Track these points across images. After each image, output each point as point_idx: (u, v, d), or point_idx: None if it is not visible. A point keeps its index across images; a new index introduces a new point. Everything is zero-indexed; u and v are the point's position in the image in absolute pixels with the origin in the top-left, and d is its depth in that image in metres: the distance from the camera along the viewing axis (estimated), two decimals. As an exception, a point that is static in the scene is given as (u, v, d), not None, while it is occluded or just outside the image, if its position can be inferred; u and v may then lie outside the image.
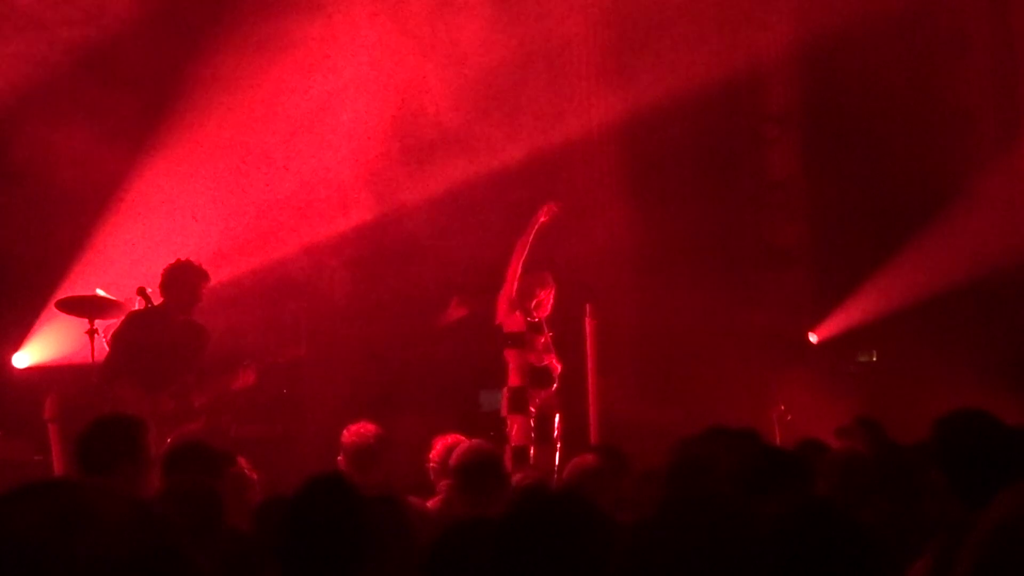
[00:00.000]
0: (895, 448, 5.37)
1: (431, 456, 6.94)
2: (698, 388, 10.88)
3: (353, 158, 11.09)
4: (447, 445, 6.72)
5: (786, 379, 10.71)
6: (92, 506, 1.59)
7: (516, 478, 6.30)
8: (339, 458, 7.07)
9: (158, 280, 8.88)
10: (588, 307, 9.88)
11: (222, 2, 10.81)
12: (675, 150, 11.82)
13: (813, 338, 11.95)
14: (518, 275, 9.42)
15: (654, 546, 2.40)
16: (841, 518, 2.84)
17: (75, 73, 10.43)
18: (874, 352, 12.14)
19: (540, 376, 9.46)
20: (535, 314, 9.50)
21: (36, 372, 10.15)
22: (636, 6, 11.46)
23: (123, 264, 10.13)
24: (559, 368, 9.54)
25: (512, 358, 9.48)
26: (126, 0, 10.44)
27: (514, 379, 9.44)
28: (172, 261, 8.98)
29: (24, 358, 10.31)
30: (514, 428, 9.29)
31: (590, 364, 9.77)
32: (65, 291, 9.84)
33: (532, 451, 9.24)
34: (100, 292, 9.33)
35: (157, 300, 8.80)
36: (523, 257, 9.43)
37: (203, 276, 8.95)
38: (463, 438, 6.70)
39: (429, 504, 6.27)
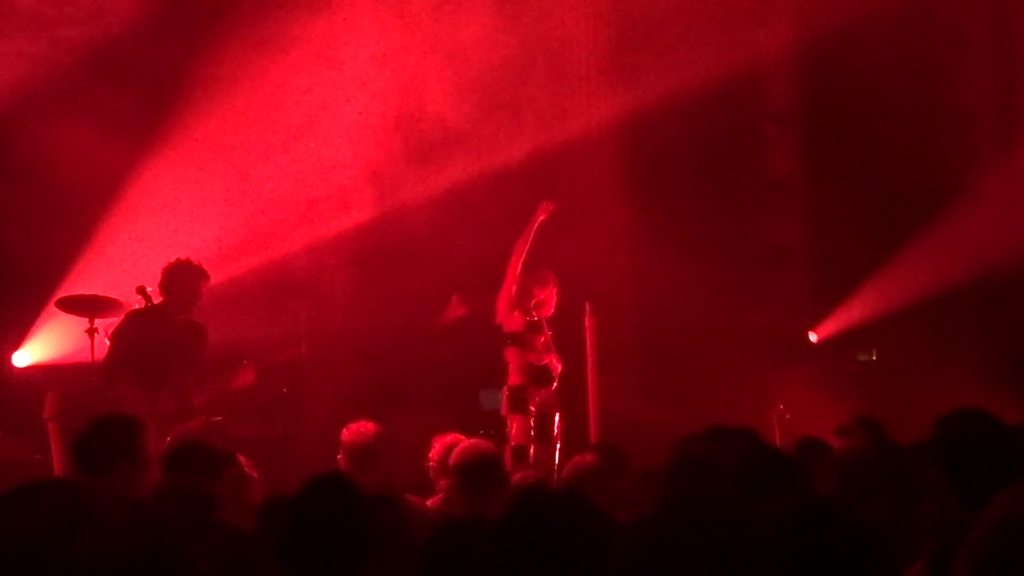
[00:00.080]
0: (895, 448, 5.36)
1: (431, 455, 6.94)
2: (698, 387, 10.88)
3: (354, 157, 11.09)
4: (447, 444, 6.72)
5: (786, 378, 10.71)
6: (92, 506, 1.60)
7: (516, 477, 6.30)
8: (339, 457, 7.07)
9: (158, 279, 8.89)
10: (588, 307, 9.88)
11: (223, 1, 10.81)
12: (675, 150, 11.82)
13: (813, 337, 11.95)
14: (517, 275, 9.43)
15: (654, 546, 2.40)
16: (841, 518, 2.84)
17: (76, 72, 10.43)
18: (874, 351, 12.13)
19: (540, 375, 9.46)
20: (535, 313, 9.50)
21: (36, 371, 10.15)
22: (636, 6, 11.46)
23: (123, 263, 10.13)
24: (559, 367, 9.54)
25: (512, 357, 9.48)
26: (127, -1, 10.46)
27: (514, 378, 9.44)
28: (172, 260, 8.99)
29: (24, 357, 10.31)
30: (514, 427, 9.29)
31: (590, 363, 9.77)
32: (65, 290, 9.85)
33: (532, 450, 9.24)
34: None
35: (157, 299, 8.80)
36: (522, 257, 9.44)
37: (203, 275, 8.95)
38: (463, 437, 6.70)
39: (429, 503, 6.28)
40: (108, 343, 8.88)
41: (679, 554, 2.36)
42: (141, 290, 8.77)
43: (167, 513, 4.15)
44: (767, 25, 11.96)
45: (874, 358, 12.16)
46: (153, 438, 5.58)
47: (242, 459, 6.04)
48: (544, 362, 9.49)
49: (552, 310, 9.59)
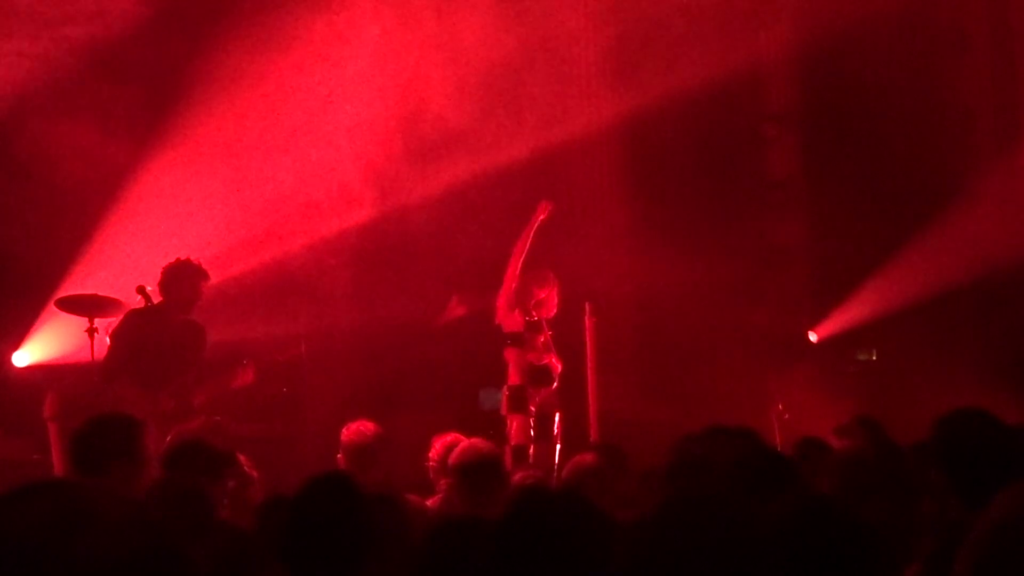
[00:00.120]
0: (895, 448, 5.36)
1: (431, 455, 6.94)
2: (698, 387, 10.88)
3: (355, 156, 11.09)
4: (446, 444, 6.72)
5: (786, 378, 10.71)
6: (91, 506, 1.59)
7: (516, 477, 6.30)
8: (339, 457, 7.07)
9: (158, 279, 8.89)
10: (588, 306, 9.88)
11: (224, 0, 10.81)
12: (675, 150, 11.82)
13: (813, 337, 11.94)
14: (517, 274, 9.43)
15: (654, 546, 2.40)
16: (841, 518, 2.84)
17: (77, 72, 10.43)
18: (874, 351, 12.13)
19: (540, 375, 9.46)
20: (536, 313, 9.50)
21: (36, 371, 10.15)
22: (637, 6, 11.46)
23: (123, 263, 10.13)
24: (559, 367, 9.54)
25: (512, 357, 9.48)
26: (128, -2, 10.46)
27: (514, 378, 9.45)
28: (172, 260, 8.99)
29: (24, 357, 10.31)
30: (514, 427, 9.29)
31: (590, 363, 9.76)
32: (65, 290, 9.85)
33: (532, 450, 9.24)
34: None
35: (157, 299, 8.80)
36: (522, 256, 9.44)
37: (202, 275, 8.95)
38: (463, 437, 6.69)
39: (429, 503, 6.27)
40: (108, 343, 8.88)
41: (679, 554, 2.36)
42: (141, 290, 8.77)
43: (166, 512, 4.15)
44: (767, 25, 11.95)
45: (874, 358, 12.15)
46: (153, 438, 5.58)
47: (242, 459, 6.04)
48: (544, 362, 9.49)
49: (555, 310, 9.59)
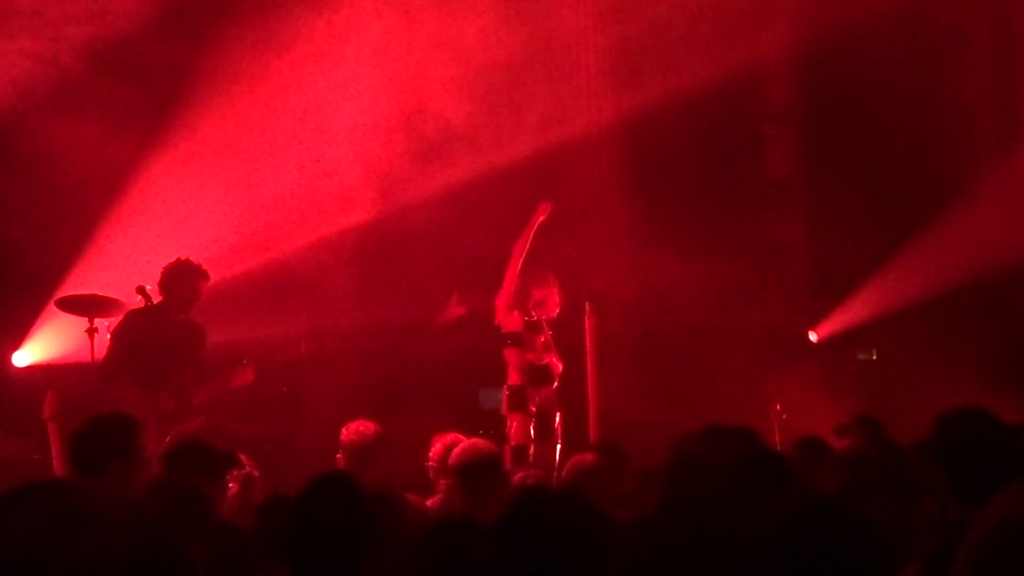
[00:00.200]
0: (895, 447, 5.36)
1: (431, 455, 6.94)
2: (698, 386, 10.88)
3: (356, 156, 11.09)
4: (446, 444, 6.72)
5: (786, 378, 10.71)
6: (91, 506, 1.59)
7: (517, 477, 6.30)
8: (338, 456, 7.07)
9: (158, 279, 8.89)
10: (588, 306, 9.88)
11: (224, -1, 10.82)
12: (675, 150, 11.82)
13: (813, 336, 11.95)
14: (517, 274, 9.43)
15: (654, 546, 2.40)
16: (841, 518, 2.84)
17: (78, 71, 10.43)
18: (874, 350, 12.13)
19: (540, 375, 9.46)
20: (536, 313, 9.50)
21: (36, 370, 10.15)
22: (637, 6, 11.46)
23: (123, 263, 10.13)
24: (559, 367, 9.54)
25: (512, 357, 9.48)
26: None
27: (514, 378, 9.45)
28: (172, 260, 8.99)
29: (24, 356, 10.31)
30: (514, 427, 9.29)
31: (590, 363, 9.76)
32: (66, 290, 9.85)
33: (532, 450, 9.24)
34: None
35: (157, 299, 8.81)
36: (522, 256, 9.44)
37: (202, 275, 8.95)
38: (462, 437, 6.70)
39: (429, 503, 6.27)
40: (108, 342, 8.89)
41: (679, 554, 2.36)
42: (141, 290, 8.77)
43: (165, 512, 4.15)
44: (767, 25, 11.95)
45: (874, 357, 12.15)
46: (152, 437, 5.58)
47: (243, 458, 6.04)
48: (544, 362, 9.48)
49: (557, 310, 9.59)
